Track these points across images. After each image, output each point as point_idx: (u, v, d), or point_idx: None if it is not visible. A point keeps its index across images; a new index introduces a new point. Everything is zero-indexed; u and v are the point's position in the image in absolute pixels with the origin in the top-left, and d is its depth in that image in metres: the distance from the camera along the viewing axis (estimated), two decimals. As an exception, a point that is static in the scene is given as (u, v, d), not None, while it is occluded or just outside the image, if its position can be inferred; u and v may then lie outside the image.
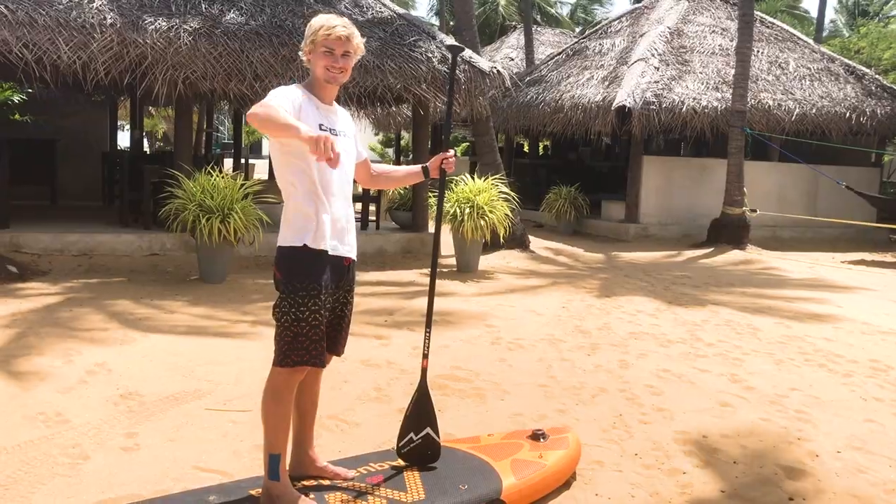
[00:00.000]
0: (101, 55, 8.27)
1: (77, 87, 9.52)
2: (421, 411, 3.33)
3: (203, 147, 17.96)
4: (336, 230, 2.99)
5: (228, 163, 16.91)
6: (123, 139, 21.75)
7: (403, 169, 3.45)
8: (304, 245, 2.90)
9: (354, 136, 3.15)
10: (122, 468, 3.48)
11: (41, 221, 9.68)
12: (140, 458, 3.60)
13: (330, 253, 2.97)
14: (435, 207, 9.20)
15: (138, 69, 8.51)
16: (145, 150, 20.49)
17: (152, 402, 4.33)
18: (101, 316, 6.30)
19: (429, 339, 3.39)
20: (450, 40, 10.66)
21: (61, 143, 12.60)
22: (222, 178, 8.12)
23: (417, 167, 3.36)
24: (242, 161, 17.99)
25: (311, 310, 2.90)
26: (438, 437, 3.35)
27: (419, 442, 3.31)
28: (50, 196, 12.15)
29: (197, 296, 7.26)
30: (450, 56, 3.51)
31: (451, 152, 3.24)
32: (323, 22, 2.93)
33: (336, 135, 2.92)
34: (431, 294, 3.44)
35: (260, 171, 19.96)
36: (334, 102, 3.07)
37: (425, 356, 3.39)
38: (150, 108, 19.89)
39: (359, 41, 3.00)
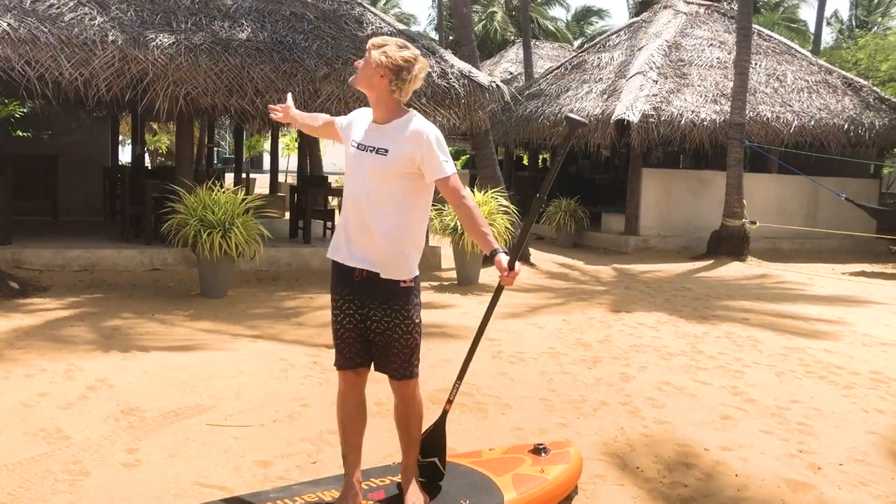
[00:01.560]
0: (103, 72, 8.32)
1: (79, 103, 9.56)
2: (431, 442, 3.33)
3: (204, 162, 18.01)
4: (347, 240, 3.07)
5: (230, 178, 16.96)
6: (125, 155, 21.83)
7: (481, 233, 3.10)
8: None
9: (414, 151, 2.95)
10: (122, 484, 3.47)
11: (42, 237, 9.69)
12: (141, 474, 3.60)
13: (339, 262, 3.10)
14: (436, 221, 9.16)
15: (140, 85, 8.55)
16: (147, 165, 20.54)
17: (153, 418, 4.33)
18: (102, 331, 6.30)
19: (457, 390, 3.40)
20: (449, 55, 10.72)
21: (63, 159, 12.64)
22: (223, 192, 8.14)
23: (491, 247, 3.07)
24: (244, 176, 18.05)
25: (332, 315, 3.14)
26: (444, 469, 3.33)
27: (423, 464, 3.31)
28: (51, 212, 12.17)
29: (198, 311, 7.27)
30: (568, 127, 3.28)
31: (518, 272, 3.06)
32: None
33: (365, 150, 3.03)
34: (472, 350, 3.40)
35: (261, 185, 19.99)
36: (403, 120, 3.01)
37: (450, 402, 3.40)
38: (153, 123, 19.96)
39: (374, 54, 2.98)
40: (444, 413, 3.40)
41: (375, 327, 3.08)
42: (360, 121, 3.15)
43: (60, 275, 8.59)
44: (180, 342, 6.10)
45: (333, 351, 3.20)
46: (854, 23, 33.24)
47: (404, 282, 3.04)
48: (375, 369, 3.18)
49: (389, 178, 2.98)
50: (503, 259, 3.03)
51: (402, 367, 3.11)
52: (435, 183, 3.02)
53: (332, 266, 3.16)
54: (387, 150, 2.98)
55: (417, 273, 3.12)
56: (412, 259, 3.08)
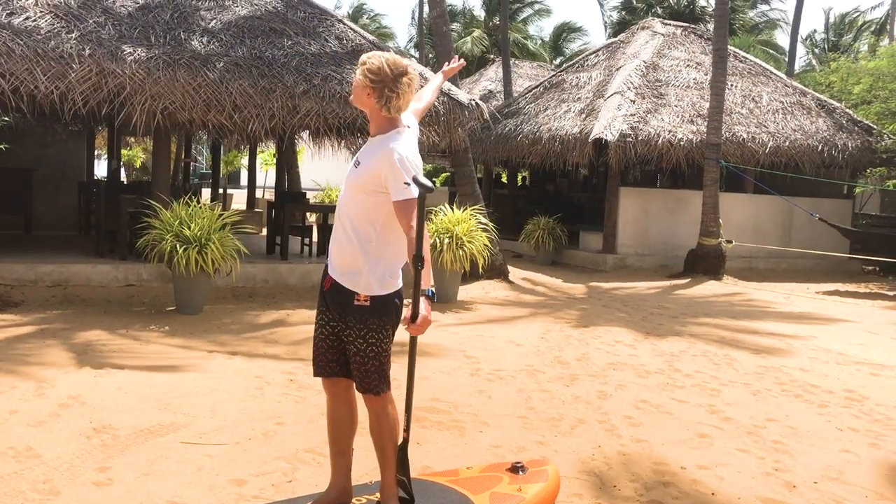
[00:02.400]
0: (79, 85, 8.24)
1: (54, 117, 9.48)
2: (400, 460, 3.27)
3: (181, 177, 17.90)
4: (330, 249, 3.19)
5: (207, 193, 16.86)
6: (101, 169, 21.63)
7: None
8: None
9: (378, 168, 2.96)
10: (94, 504, 3.41)
11: (15, 251, 9.55)
12: (113, 493, 3.53)
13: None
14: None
15: (116, 99, 8.49)
16: (122, 180, 20.37)
17: (126, 436, 4.27)
18: (74, 348, 6.21)
19: (408, 421, 3.28)
20: (429, 72, 10.76)
21: (37, 173, 12.50)
22: (200, 208, 8.09)
23: (427, 282, 2.95)
24: (221, 191, 17.95)
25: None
26: (408, 494, 3.25)
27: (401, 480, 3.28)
28: (24, 226, 12.01)
29: (173, 327, 7.19)
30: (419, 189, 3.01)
31: (424, 322, 2.93)
32: None
33: (355, 166, 3.13)
34: (409, 386, 3.24)
35: (238, 201, 19.90)
36: (389, 134, 3.04)
37: (406, 430, 3.27)
38: (129, 138, 19.82)
39: (357, 72, 3.04)
40: (405, 441, 3.28)
41: (343, 338, 3.14)
42: None
43: (33, 290, 8.46)
44: (155, 359, 6.02)
45: (311, 367, 3.29)
46: (827, 46, 33.84)
47: (359, 297, 3.03)
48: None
49: (359, 192, 3.05)
50: (422, 305, 2.92)
51: (363, 381, 3.13)
52: (392, 204, 2.94)
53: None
54: (359, 164, 3.09)
55: (384, 293, 3.05)
56: (378, 276, 3.04)
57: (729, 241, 12.92)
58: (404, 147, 2.98)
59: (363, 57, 3.07)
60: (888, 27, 31.79)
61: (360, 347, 3.07)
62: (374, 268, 3.04)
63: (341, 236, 3.09)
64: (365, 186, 3.01)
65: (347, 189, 3.12)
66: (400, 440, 3.26)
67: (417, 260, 2.91)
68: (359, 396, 3.25)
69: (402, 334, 3.13)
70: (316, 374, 3.28)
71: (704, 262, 12.73)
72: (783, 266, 14.61)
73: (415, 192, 2.90)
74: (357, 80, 3.04)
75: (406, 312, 2.98)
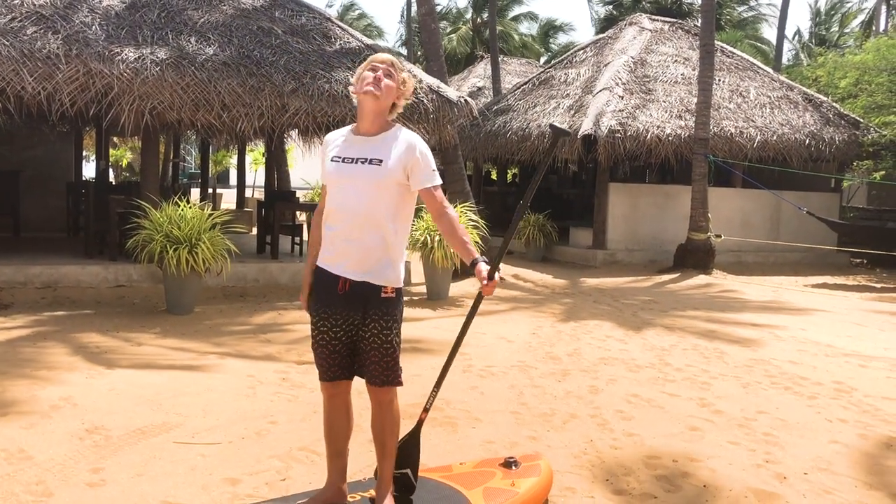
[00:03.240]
0: (67, 86, 8.21)
1: (42, 118, 9.43)
2: (405, 452, 3.33)
3: (170, 177, 17.84)
4: (335, 251, 3.11)
5: (196, 193, 16.81)
6: (89, 170, 21.54)
7: (462, 242, 3.18)
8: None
9: (406, 160, 3.06)
10: (87, 505, 3.41)
11: (3, 253, 9.51)
12: (106, 493, 3.53)
13: (327, 272, 3.14)
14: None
15: (104, 100, 8.46)
16: (111, 180, 20.28)
17: (119, 437, 4.26)
18: (65, 349, 6.19)
19: (434, 398, 3.41)
20: (418, 69, 10.77)
21: (25, 174, 12.44)
22: (190, 208, 8.07)
23: (472, 256, 3.14)
24: (210, 191, 17.90)
25: (312, 329, 3.22)
26: (415, 481, 3.34)
27: (396, 475, 3.31)
28: (13, 227, 11.95)
29: (164, 327, 7.18)
30: (552, 134, 3.37)
31: (497, 281, 3.09)
32: (371, 56, 3.22)
33: (353, 163, 3.09)
34: (450, 360, 3.40)
35: (228, 200, 19.85)
36: (391, 131, 3.14)
37: (426, 410, 3.41)
38: (116, 138, 19.73)
39: (405, 74, 3.17)
40: (420, 423, 3.40)
41: (360, 336, 3.13)
42: (335, 139, 3.23)
43: (22, 292, 8.43)
44: (146, 359, 6.01)
45: (304, 366, 3.28)
46: (813, 41, 34.01)
47: (391, 289, 3.12)
48: (360, 376, 3.21)
49: (384, 188, 3.07)
50: (483, 268, 3.09)
51: (384, 373, 3.16)
52: (420, 193, 3.14)
53: (315, 280, 3.20)
54: (381, 161, 3.07)
55: (402, 284, 3.21)
56: (399, 268, 3.17)
57: (718, 236, 12.99)
58: (420, 139, 3.19)
59: (396, 61, 3.19)
60: (874, 23, 31.98)
61: (383, 340, 3.11)
62: (398, 259, 3.15)
63: (362, 234, 3.06)
64: (390, 182, 3.07)
65: (362, 187, 3.05)
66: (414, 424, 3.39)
67: (519, 216, 3.26)
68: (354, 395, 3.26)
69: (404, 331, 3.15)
70: (322, 378, 3.24)
71: (694, 256, 12.79)
72: (772, 260, 14.70)
73: (440, 178, 3.20)
74: (397, 80, 3.13)
75: (484, 272, 3.07)
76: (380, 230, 3.08)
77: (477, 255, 3.15)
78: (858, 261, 15.40)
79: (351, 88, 3.21)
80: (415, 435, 3.37)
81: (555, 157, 14.08)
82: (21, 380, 5.25)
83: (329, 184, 3.17)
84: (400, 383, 3.21)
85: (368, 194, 3.06)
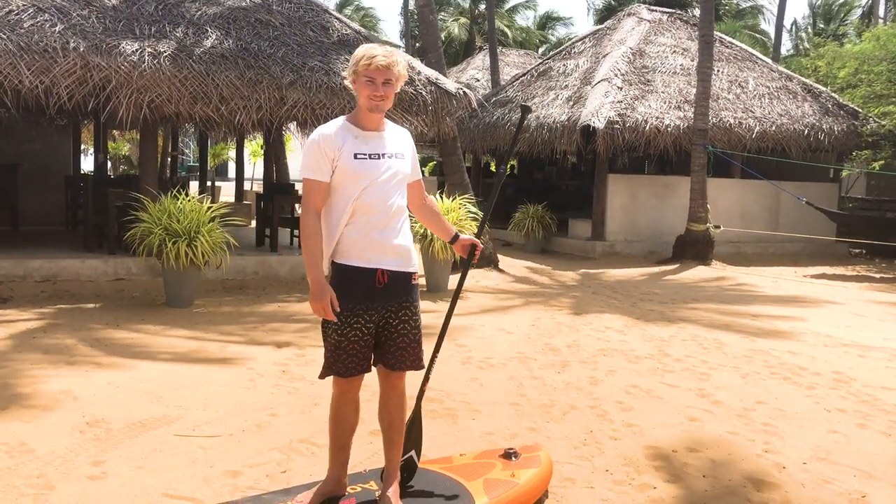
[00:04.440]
0: (65, 79, 8.18)
1: (39, 111, 9.41)
2: (410, 434, 3.36)
3: (168, 170, 17.80)
4: (371, 246, 3.10)
5: (194, 186, 16.78)
6: (87, 163, 21.50)
7: (442, 222, 3.57)
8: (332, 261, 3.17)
9: (412, 154, 3.28)
10: (88, 497, 3.42)
11: (2, 247, 9.50)
12: (107, 486, 3.54)
13: (361, 268, 3.10)
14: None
15: (102, 93, 8.43)
16: (109, 173, 20.24)
17: (119, 429, 4.27)
18: (65, 342, 6.20)
19: (433, 364, 3.46)
20: (416, 62, 10.74)
21: (23, 168, 12.41)
22: (188, 201, 8.06)
23: (451, 231, 3.52)
24: (209, 184, 17.87)
25: (338, 328, 3.13)
26: (418, 460, 3.40)
27: (402, 461, 3.33)
28: (11, 221, 11.94)
29: (163, 320, 7.18)
30: (520, 113, 3.75)
31: (481, 246, 3.47)
32: (364, 52, 3.06)
33: (379, 158, 3.10)
34: (448, 318, 3.56)
35: (227, 193, 19.81)
36: (388, 124, 3.21)
37: (427, 379, 3.44)
38: (114, 131, 19.69)
39: (400, 68, 3.09)
40: (421, 395, 3.46)
41: (390, 325, 3.16)
42: (340, 137, 3.07)
43: (21, 285, 8.43)
44: (146, 352, 6.02)
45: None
46: (812, 31, 33.93)
47: (415, 276, 3.25)
48: (389, 367, 3.21)
49: (405, 179, 3.22)
50: (467, 237, 3.50)
51: (415, 357, 3.25)
52: (413, 182, 3.31)
53: (342, 279, 3.09)
54: (403, 155, 3.19)
55: None
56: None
57: (717, 227, 12.99)
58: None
59: (396, 57, 3.08)
60: (873, 14, 31.90)
61: (415, 324, 3.22)
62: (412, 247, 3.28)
63: (395, 224, 3.14)
64: (408, 173, 3.24)
65: (393, 179, 3.11)
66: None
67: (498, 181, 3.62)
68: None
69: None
70: (348, 374, 3.15)
71: (693, 247, 12.80)
72: (771, 250, 14.70)
73: None
74: (392, 91, 3.10)
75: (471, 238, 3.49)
76: (404, 219, 3.20)
77: (454, 230, 3.54)
78: (857, 251, 15.41)
79: (346, 79, 3.15)
80: (416, 412, 3.43)
81: (552, 148, 14.07)
82: (20, 373, 5.25)
83: (352, 180, 3.04)
84: (423, 366, 3.30)
85: (398, 186, 3.16)
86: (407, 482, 3.35)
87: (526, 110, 3.81)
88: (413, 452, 3.38)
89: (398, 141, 3.21)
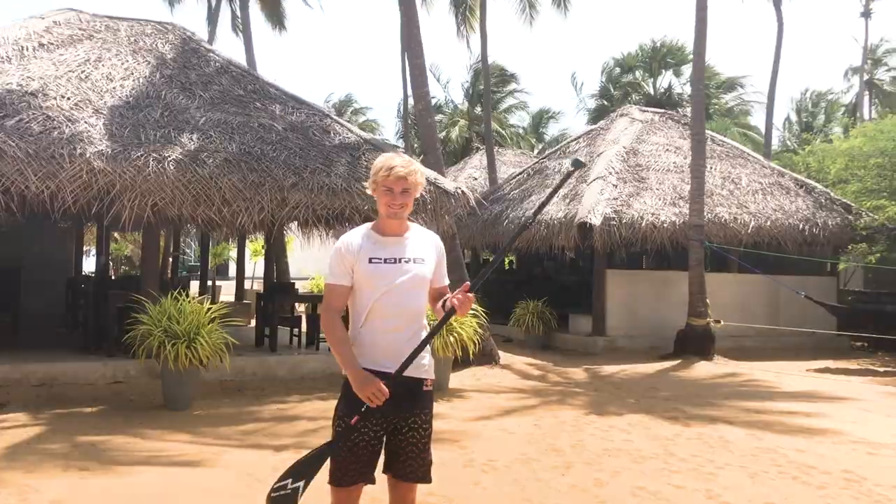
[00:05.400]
0: (70, 184, 8.33)
1: (44, 214, 9.54)
2: (313, 463, 3.16)
3: (170, 270, 17.90)
4: (389, 351, 3.12)
5: (195, 285, 16.84)
6: (89, 264, 21.63)
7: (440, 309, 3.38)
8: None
9: (437, 259, 3.31)
10: None
11: (1, 350, 9.45)
12: None
13: (380, 372, 3.10)
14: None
15: (106, 197, 8.57)
16: (111, 274, 20.34)
17: (113, 541, 4.15)
18: (59, 449, 6.08)
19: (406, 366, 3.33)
20: (416, 162, 10.94)
21: (25, 270, 12.49)
22: (188, 302, 8.08)
23: (438, 306, 3.35)
24: (209, 283, 17.95)
25: (346, 435, 3.10)
26: (302, 493, 3.12)
27: (288, 492, 3.10)
28: (12, 324, 11.92)
29: (161, 424, 7.07)
30: (571, 166, 3.60)
31: (473, 297, 3.23)
32: (383, 163, 3.21)
33: (396, 262, 3.17)
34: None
35: (227, 292, 19.86)
36: (413, 228, 3.29)
37: (360, 413, 3.13)
38: (117, 233, 19.94)
39: (417, 177, 3.22)
40: (350, 429, 3.11)
41: (399, 432, 3.14)
42: (359, 242, 3.21)
43: (18, 389, 8.33)
44: (143, 458, 5.91)
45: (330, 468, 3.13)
46: (800, 127, 34.82)
47: (427, 383, 3.23)
48: (396, 478, 3.19)
49: (426, 283, 3.26)
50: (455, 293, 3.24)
51: (423, 468, 3.22)
52: (436, 287, 3.32)
53: (354, 384, 3.09)
54: (423, 259, 3.24)
55: None
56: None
57: (718, 321, 12.95)
58: (439, 238, 3.41)
59: (414, 166, 3.24)
60: (858, 110, 32.86)
61: (424, 433, 3.19)
62: (427, 351, 3.24)
63: (410, 328, 3.17)
64: (427, 278, 3.28)
65: (412, 284, 3.18)
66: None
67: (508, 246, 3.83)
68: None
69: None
70: (350, 482, 3.12)
71: (694, 342, 12.73)
72: (772, 344, 14.62)
73: None
74: (419, 185, 3.22)
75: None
76: (422, 323, 3.23)
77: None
78: (859, 344, 15.32)
79: (368, 188, 3.28)
80: (331, 444, 3.18)
81: (551, 244, 14.19)
82: (11, 482, 5.14)
83: (368, 284, 3.16)
84: (431, 479, 3.26)
85: (416, 290, 3.21)
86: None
87: (578, 164, 3.67)
88: (302, 484, 3.11)
89: (421, 245, 3.27)
